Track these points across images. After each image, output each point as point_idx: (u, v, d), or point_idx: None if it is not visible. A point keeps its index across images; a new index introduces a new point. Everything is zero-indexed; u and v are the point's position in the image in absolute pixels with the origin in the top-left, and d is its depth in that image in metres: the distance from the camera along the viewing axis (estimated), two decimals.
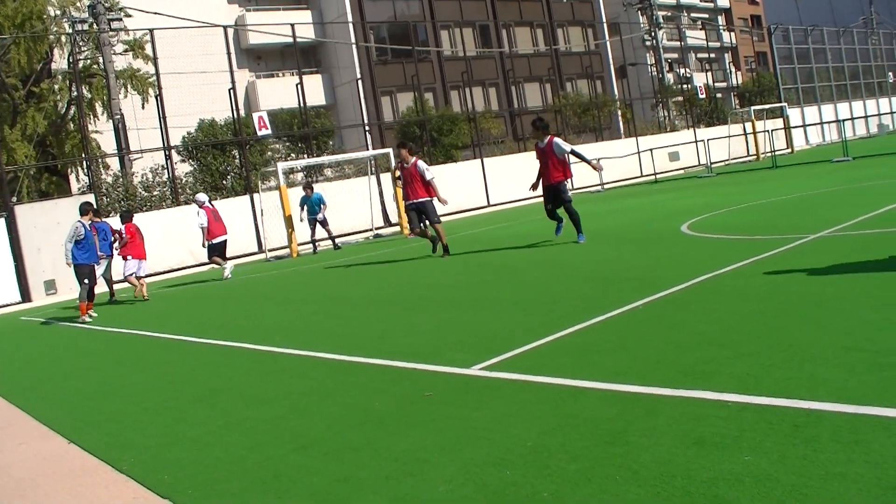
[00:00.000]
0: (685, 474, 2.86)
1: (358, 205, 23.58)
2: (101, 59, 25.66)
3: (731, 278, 6.66)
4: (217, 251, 15.80)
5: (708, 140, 30.86)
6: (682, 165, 35.48)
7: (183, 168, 24.65)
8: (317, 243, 20.06)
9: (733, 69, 55.87)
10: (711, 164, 29.88)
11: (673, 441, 3.21)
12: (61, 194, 26.49)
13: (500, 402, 4.17)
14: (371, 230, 23.25)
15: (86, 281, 11.76)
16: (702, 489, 2.72)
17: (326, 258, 16.94)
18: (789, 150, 36.14)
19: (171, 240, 20.67)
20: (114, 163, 26.68)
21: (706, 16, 58.66)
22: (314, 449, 3.91)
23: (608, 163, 30.82)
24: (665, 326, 5.29)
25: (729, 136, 35.21)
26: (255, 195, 22.53)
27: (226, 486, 3.59)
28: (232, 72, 24.00)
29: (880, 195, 11.56)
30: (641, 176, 33.16)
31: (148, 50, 25.38)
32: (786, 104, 38.70)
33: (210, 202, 16.28)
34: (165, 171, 23.28)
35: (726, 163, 34.43)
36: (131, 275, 14.14)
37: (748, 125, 35.79)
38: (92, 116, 28.55)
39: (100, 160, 26.77)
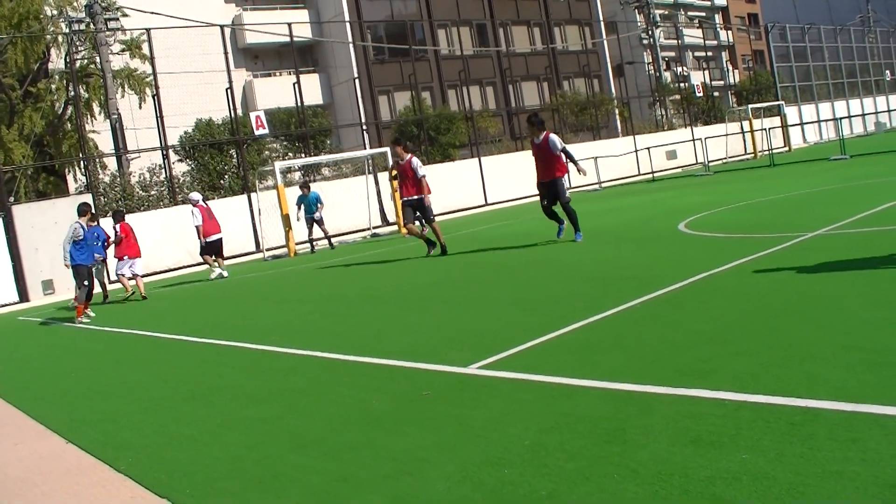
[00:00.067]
0: (683, 473, 2.86)
1: (355, 204, 23.59)
2: (98, 59, 25.65)
3: (729, 277, 6.66)
4: (211, 249, 15.83)
5: (705, 138, 30.87)
6: (679, 164, 35.50)
7: (180, 168, 24.64)
8: (314, 242, 20.06)
9: (730, 67, 55.88)
10: (709, 162, 29.90)
11: (670, 439, 3.21)
12: (59, 194, 26.47)
13: (497, 401, 4.17)
14: (369, 229, 23.24)
15: (85, 283, 11.74)
16: (699, 487, 2.72)
17: (324, 257, 16.93)
18: (787, 149, 36.17)
19: (168, 239, 20.65)
20: (111, 162, 26.64)
21: (703, 14, 58.70)
22: (312, 448, 3.91)
23: (605, 161, 30.93)
24: (662, 325, 5.30)
25: (726, 135, 35.22)
26: (253, 194, 22.51)
27: (224, 486, 3.58)
28: (229, 71, 23.99)
29: (878, 193, 11.57)
30: (639, 174, 33.17)
31: (145, 49, 25.38)
32: (783, 102, 38.71)
33: (203, 200, 16.31)
34: (163, 170, 23.25)
35: (724, 161, 34.44)
36: (122, 274, 14.15)
37: (745, 123, 35.81)
38: (89, 116, 28.53)
39: (97, 160, 26.75)
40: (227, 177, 24.96)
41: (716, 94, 44.71)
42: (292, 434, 4.19)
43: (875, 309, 4.76)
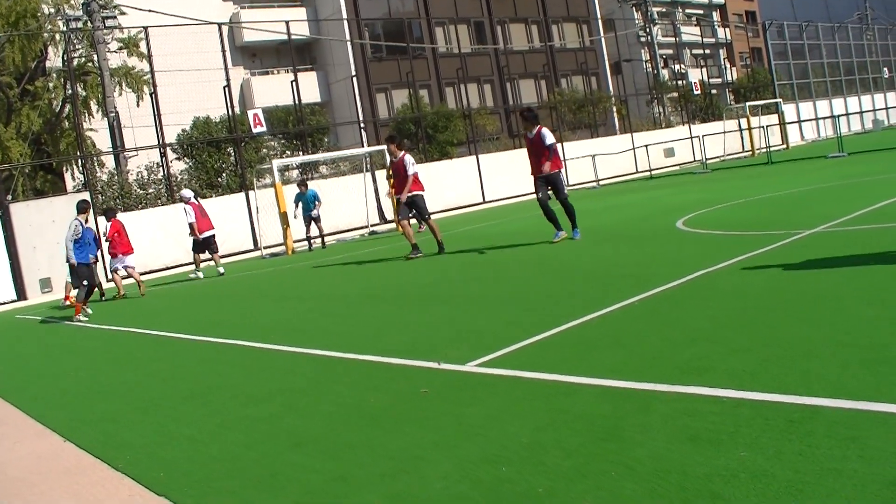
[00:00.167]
0: (680, 470, 2.86)
1: (353, 202, 23.58)
2: (95, 57, 25.59)
3: (727, 274, 6.66)
4: (204, 247, 15.87)
5: (703, 136, 30.90)
6: (677, 161, 35.50)
7: (178, 166, 24.62)
8: (312, 240, 20.06)
9: (728, 65, 55.86)
10: (706, 160, 29.91)
11: (668, 437, 3.21)
12: (56, 192, 26.43)
13: (494, 399, 4.18)
14: (367, 227, 23.24)
15: (84, 283, 11.72)
16: (697, 485, 2.72)
17: (322, 255, 16.93)
18: (784, 146, 36.22)
19: (166, 237, 20.63)
20: (109, 161, 26.62)
21: (701, 12, 58.66)
22: (310, 447, 3.91)
23: (603, 159, 30.93)
24: (660, 323, 5.30)
25: (724, 132, 35.24)
26: (251, 192, 22.50)
27: (222, 484, 3.58)
28: (227, 69, 23.97)
29: (875, 191, 11.59)
30: (636, 172, 33.17)
31: (142, 48, 25.33)
32: (781, 100, 38.76)
33: (195, 198, 16.33)
34: (160, 168, 23.23)
35: (721, 159, 34.46)
36: (115, 271, 14.16)
37: (743, 121, 35.81)
38: (87, 114, 28.48)
39: (95, 158, 26.73)
40: (224, 175, 24.94)
41: (713, 91, 44.70)
42: (291, 433, 4.19)
43: (873, 306, 4.77)
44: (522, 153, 27.19)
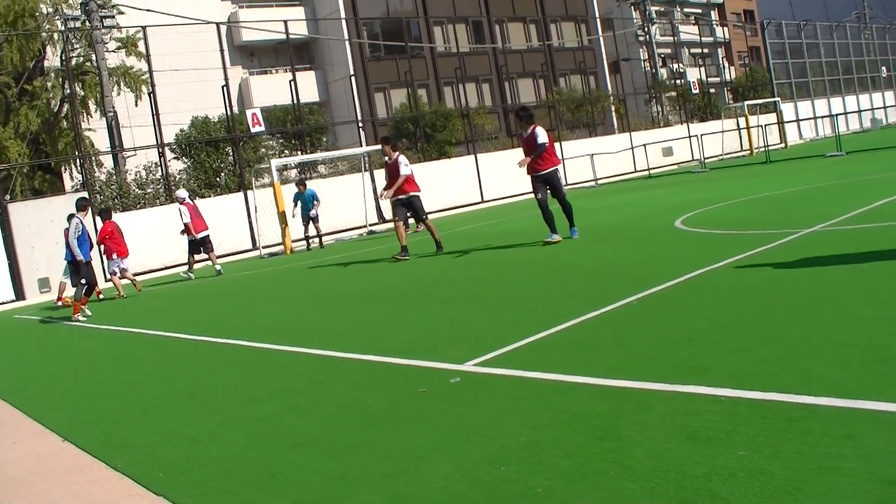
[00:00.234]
0: (679, 469, 2.87)
1: (352, 201, 23.57)
2: (93, 57, 25.58)
3: (725, 273, 6.67)
4: (199, 247, 15.88)
5: (701, 135, 30.90)
6: (675, 160, 35.52)
7: (176, 165, 24.61)
8: (310, 240, 20.06)
9: (726, 64, 55.93)
10: (705, 159, 29.92)
11: (666, 436, 3.22)
12: (55, 192, 26.43)
13: (493, 399, 4.18)
14: (365, 227, 23.23)
15: (83, 281, 11.72)
16: (696, 484, 2.73)
17: (320, 255, 16.93)
18: (783, 145, 36.24)
19: (165, 237, 20.60)
20: (107, 160, 26.61)
21: (699, 11, 58.66)
22: (310, 447, 3.91)
23: (601, 158, 30.95)
24: (659, 322, 5.31)
25: (722, 131, 35.26)
26: (249, 192, 22.50)
27: (221, 484, 3.59)
28: (225, 69, 23.96)
29: (874, 190, 11.59)
30: (635, 171, 33.19)
31: (141, 47, 25.33)
32: (779, 99, 38.78)
33: (190, 198, 16.35)
34: (159, 168, 23.22)
35: (720, 158, 34.48)
36: (114, 273, 14.15)
37: (741, 120, 35.83)
38: (85, 114, 28.49)
39: (93, 158, 26.72)
40: (223, 174, 24.93)
41: (712, 90, 44.73)
42: (290, 433, 4.20)
43: (871, 306, 4.78)
44: (521, 152, 27.20)
